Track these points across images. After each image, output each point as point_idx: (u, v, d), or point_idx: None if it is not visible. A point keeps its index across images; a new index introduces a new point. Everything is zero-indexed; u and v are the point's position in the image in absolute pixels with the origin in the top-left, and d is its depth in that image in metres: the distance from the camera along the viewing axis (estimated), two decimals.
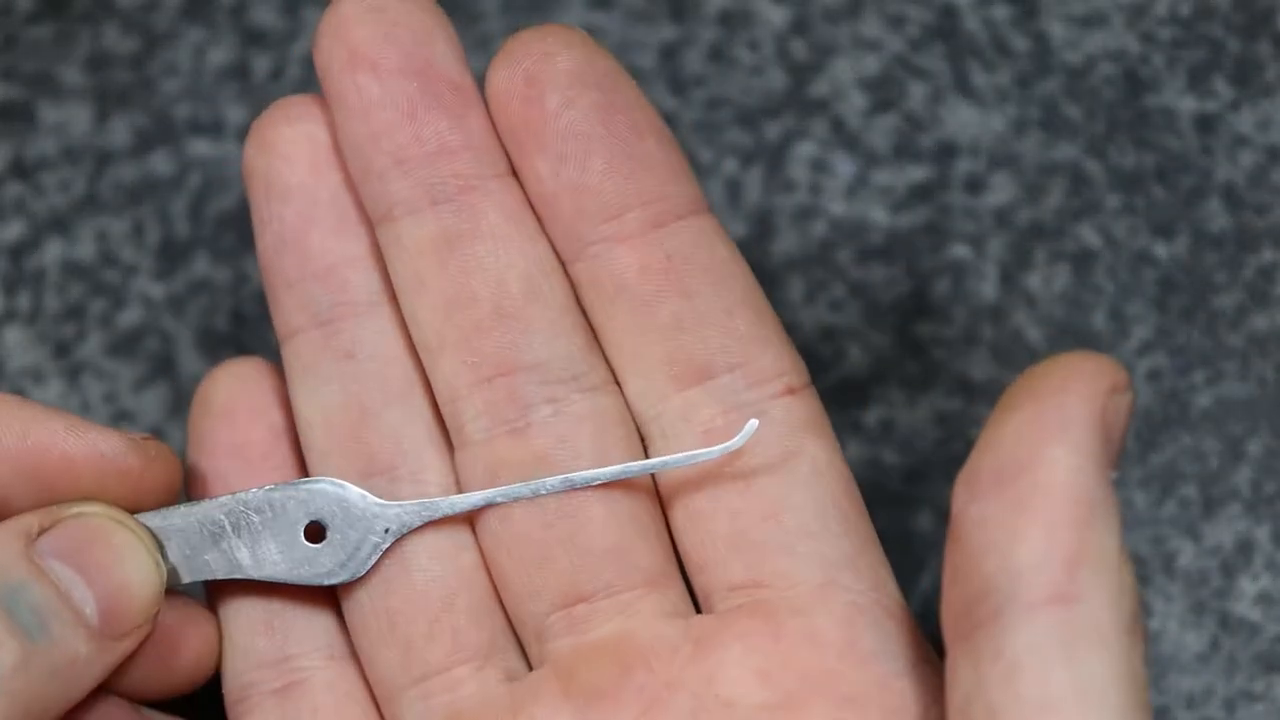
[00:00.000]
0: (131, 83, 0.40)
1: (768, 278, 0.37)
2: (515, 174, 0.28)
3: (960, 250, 0.37)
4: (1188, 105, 0.38)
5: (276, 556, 0.28)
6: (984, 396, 0.36)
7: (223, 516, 0.28)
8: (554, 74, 0.27)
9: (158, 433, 0.37)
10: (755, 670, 0.26)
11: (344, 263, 0.28)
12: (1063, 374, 0.24)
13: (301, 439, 0.29)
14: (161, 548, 0.28)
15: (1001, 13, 0.39)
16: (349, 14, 0.27)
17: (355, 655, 0.29)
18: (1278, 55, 0.38)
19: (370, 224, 0.28)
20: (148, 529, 0.28)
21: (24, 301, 0.38)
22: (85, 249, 0.39)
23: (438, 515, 0.28)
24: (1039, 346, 0.36)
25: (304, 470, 0.29)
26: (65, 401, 0.37)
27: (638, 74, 0.39)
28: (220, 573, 0.29)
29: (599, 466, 0.27)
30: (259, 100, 0.39)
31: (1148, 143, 0.38)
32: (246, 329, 0.38)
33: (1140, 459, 0.36)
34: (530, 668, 0.28)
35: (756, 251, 0.38)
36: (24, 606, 0.26)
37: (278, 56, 0.40)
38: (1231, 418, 0.36)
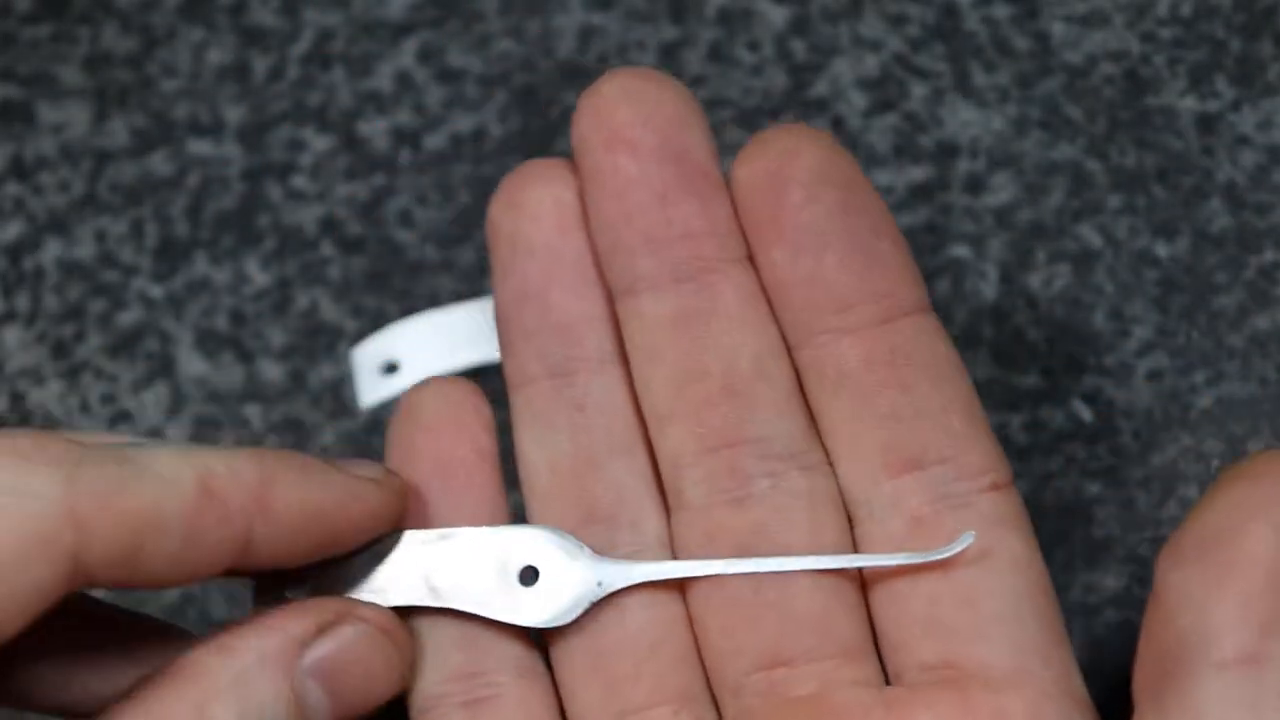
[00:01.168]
0: (130, 83, 0.40)
1: None
2: (753, 260, 0.29)
3: (961, 250, 0.37)
4: (1189, 105, 0.38)
5: (490, 594, 0.29)
6: (985, 396, 0.36)
7: (445, 549, 0.29)
8: (797, 170, 0.28)
9: (157, 432, 0.37)
10: None
11: (582, 321, 0.30)
12: (1272, 462, 0.25)
13: (524, 483, 0.30)
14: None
15: (1002, 12, 0.39)
16: (610, 95, 0.29)
17: (544, 673, 0.30)
18: (1279, 55, 0.38)
19: (608, 289, 0.30)
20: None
21: (23, 302, 0.38)
22: (84, 249, 0.38)
23: (651, 579, 0.29)
24: (1040, 347, 0.36)
25: (504, 498, 0.30)
26: (64, 402, 0.37)
27: None
28: (432, 601, 0.29)
29: (811, 541, 0.28)
30: (258, 100, 0.39)
31: (1149, 143, 0.38)
32: (245, 329, 0.38)
33: (1141, 459, 0.36)
34: None
35: None
36: None
37: (277, 57, 0.40)
38: (1233, 418, 0.36)
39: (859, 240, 0.28)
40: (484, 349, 0.37)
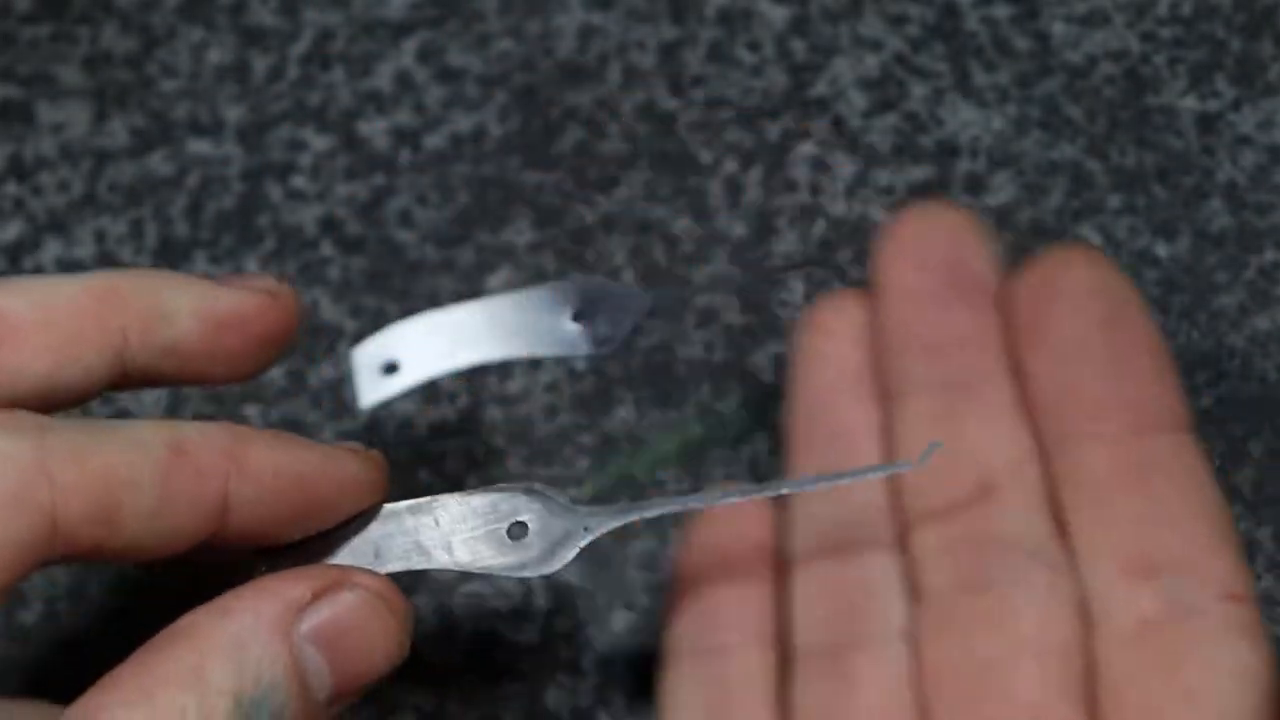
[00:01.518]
0: (130, 83, 0.40)
1: (768, 278, 0.37)
2: (1016, 367, 0.31)
3: None
4: (1189, 105, 0.38)
5: (482, 552, 0.31)
6: None
7: (433, 514, 0.31)
8: (1065, 283, 0.30)
9: None
10: None
11: (859, 428, 0.32)
12: None
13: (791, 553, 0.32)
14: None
15: (1002, 12, 0.39)
16: (908, 218, 0.32)
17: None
18: (1279, 55, 0.38)
19: (884, 398, 0.32)
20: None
21: None
22: (84, 249, 0.38)
23: (632, 518, 0.31)
24: None
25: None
26: None
27: (638, 73, 0.39)
28: (425, 564, 0.30)
29: (1041, 633, 0.29)
30: (258, 100, 0.39)
31: (1149, 142, 0.38)
32: None
33: None
34: None
35: (757, 251, 0.38)
36: (265, 713, 0.27)
37: (277, 56, 0.40)
38: (1233, 418, 0.36)
39: (1119, 354, 0.30)
40: (484, 349, 0.37)
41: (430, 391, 0.37)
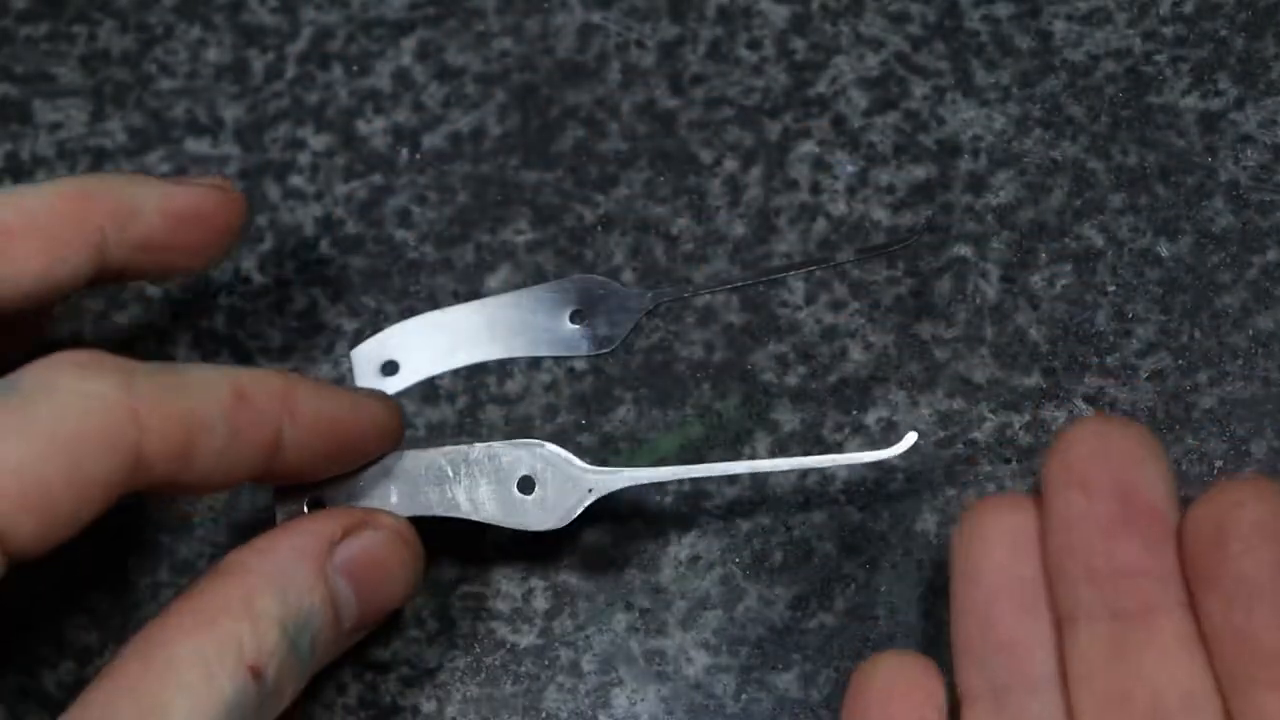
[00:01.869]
0: (128, 81, 0.40)
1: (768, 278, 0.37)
2: (1193, 606, 0.30)
3: (962, 249, 0.37)
4: (1191, 104, 0.38)
5: (490, 502, 0.33)
6: (986, 397, 0.36)
7: (446, 464, 0.33)
8: (1238, 522, 0.29)
9: None
10: None
11: (1026, 641, 0.31)
12: None
13: None
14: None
15: (1004, 10, 0.39)
16: (1075, 433, 0.31)
17: None
18: None
19: (1052, 614, 0.31)
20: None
21: None
22: None
23: (639, 482, 0.33)
24: (1041, 347, 0.36)
25: None
26: None
27: (637, 72, 0.39)
28: (438, 511, 0.33)
29: None
30: (256, 99, 0.39)
31: (1151, 141, 0.38)
32: (244, 329, 0.38)
33: None
34: None
35: (757, 251, 0.37)
36: (306, 638, 0.30)
37: (275, 55, 0.40)
38: (1235, 419, 0.36)
39: None
40: (483, 349, 0.37)
41: (430, 391, 0.37)
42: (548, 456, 0.33)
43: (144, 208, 0.32)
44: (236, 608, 0.29)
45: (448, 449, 0.33)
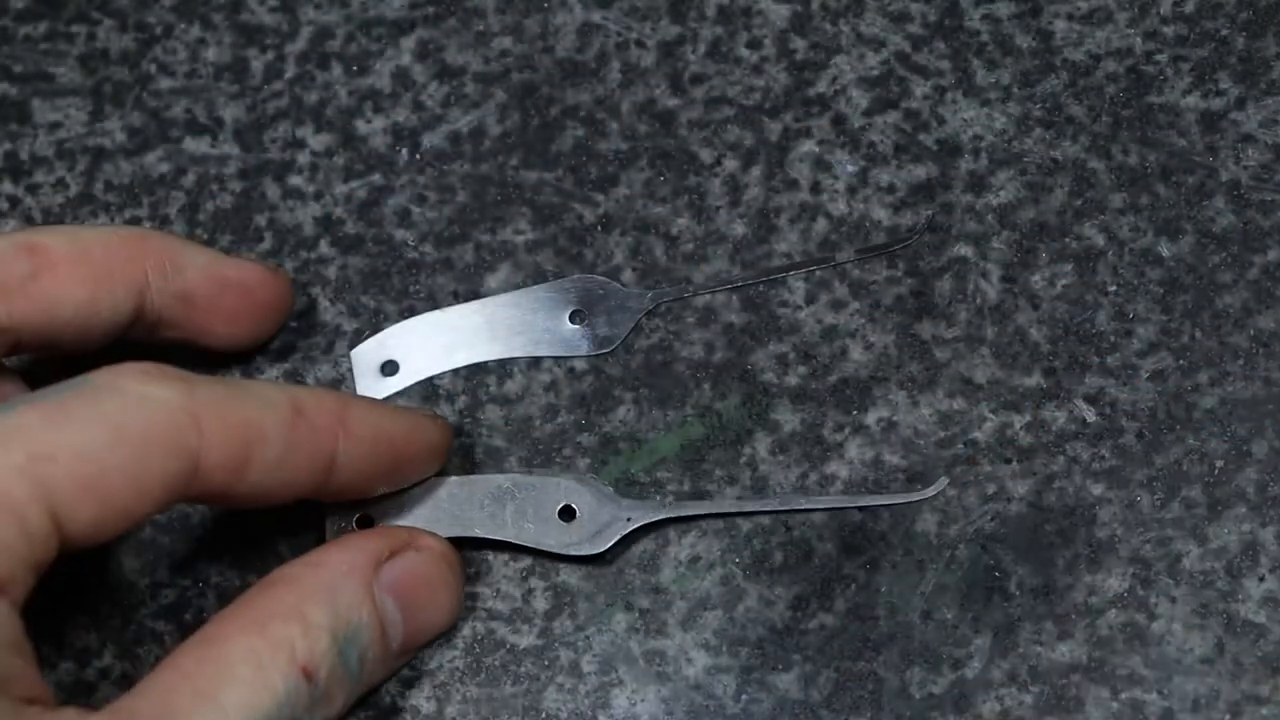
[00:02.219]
0: (127, 81, 0.40)
1: (769, 277, 0.37)
2: None
3: (963, 249, 0.37)
4: (1192, 103, 0.38)
5: (532, 526, 0.35)
6: (987, 396, 0.36)
7: (493, 488, 0.35)
8: None
9: None
10: None
11: None
12: None
13: None
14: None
15: (1004, 10, 0.39)
16: None
17: None
18: None
19: None
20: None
21: None
22: None
23: (674, 515, 0.35)
24: (1042, 346, 0.36)
25: None
26: None
27: (637, 71, 0.39)
28: (480, 532, 0.35)
29: None
30: (256, 99, 0.39)
31: (1152, 141, 0.38)
32: None
33: (1145, 460, 0.35)
34: None
35: (757, 251, 0.37)
36: (354, 651, 0.31)
37: (275, 55, 0.40)
38: (1236, 418, 0.36)
39: None
40: (483, 349, 0.37)
41: (430, 391, 0.37)
42: (587, 487, 0.35)
43: (190, 264, 0.34)
44: (289, 613, 0.30)
45: (498, 477, 0.35)
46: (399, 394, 0.37)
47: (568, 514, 0.35)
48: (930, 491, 0.35)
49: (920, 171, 0.38)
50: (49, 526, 0.27)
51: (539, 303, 0.37)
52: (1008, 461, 0.36)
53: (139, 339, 0.34)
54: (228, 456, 0.29)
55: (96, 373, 0.29)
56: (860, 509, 0.35)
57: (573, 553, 0.35)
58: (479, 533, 0.35)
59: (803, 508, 0.35)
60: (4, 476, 0.27)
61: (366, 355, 0.37)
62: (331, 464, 0.31)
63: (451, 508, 0.35)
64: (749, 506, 0.35)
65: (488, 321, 0.37)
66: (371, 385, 0.37)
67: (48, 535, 0.27)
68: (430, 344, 0.37)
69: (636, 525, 0.35)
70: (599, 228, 0.38)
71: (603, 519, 0.35)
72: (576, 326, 0.37)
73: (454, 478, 0.35)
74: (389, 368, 0.37)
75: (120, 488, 0.28)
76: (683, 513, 0.35)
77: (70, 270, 0.32)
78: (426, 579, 0.33)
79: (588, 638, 0.35)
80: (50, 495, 0.27)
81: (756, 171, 0.38)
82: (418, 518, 0.35)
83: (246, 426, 0.29)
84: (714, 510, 0.35)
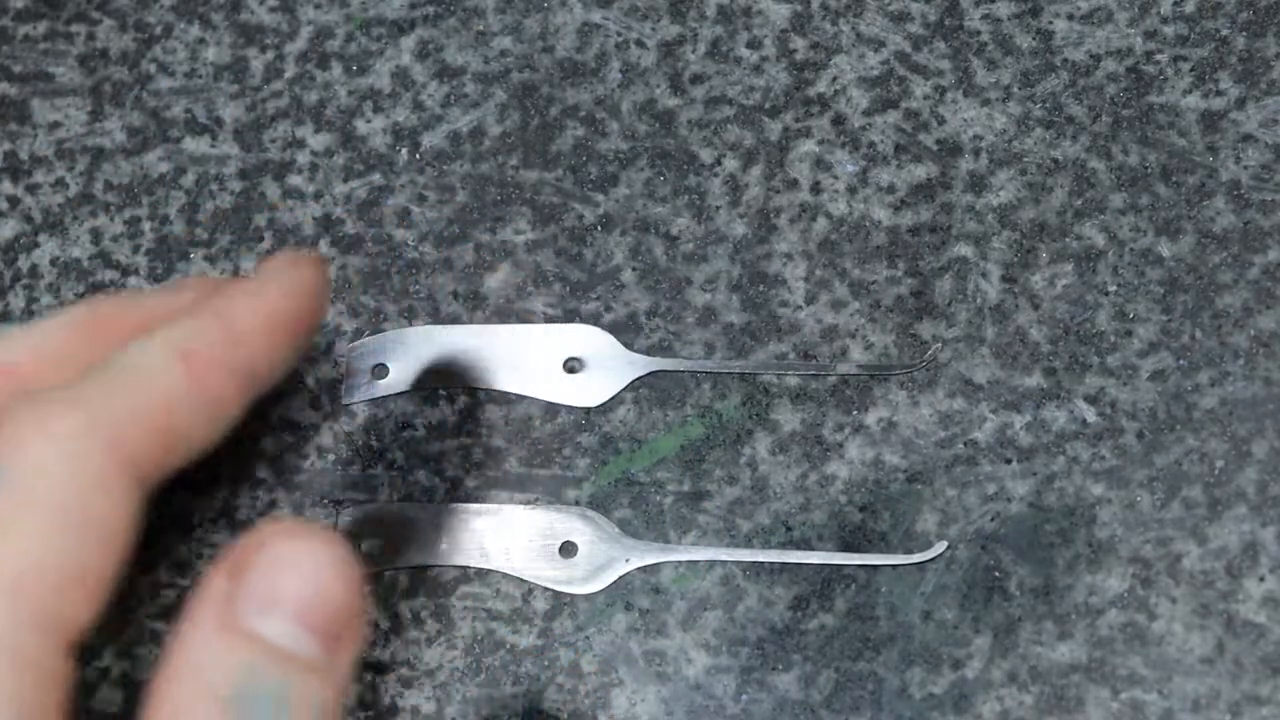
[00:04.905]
0: (126, 81, 0.40)
1: (769, 277, 0.37)
2: None
3: (963, 249, 0.37)
4: (1192, 103, 0.38)
5: (533, 562, 0.35)
6: (987, 396, 0.36)
7: (496, 521, 0.35)
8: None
9: None
10: None
11: None
12: None
13: None
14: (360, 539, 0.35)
15: (1005, 10, 0.39)
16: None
17: None
18: None
19: None
20: (333, 525, 0.33)
21: (18, 301, 0.38)
22: (80, 248, 0.38)
23: (673, 558, 0.35)
24: (1042, 346, 0.36)
25: None
26: None
27: (637, 71, 0.39)
28: (480, 563, 0.35)
29: None
30: (255, 98, 0.39)
31: (1152, 141, 0.38)
32: None
33: (1145, 460, 0.35)
34: None
35: (757, 251, 0.37)
36: (268, 706, 0.26)
37: (275, 55, 0.40)
38: (1237, 418, 0.36)
39: None
40: (473, 375, 0.37)
41: (430, 391, 0.37)
42: (590, 523, 0.35)
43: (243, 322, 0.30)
44: None
45: (500, 507, 0.35)
46: (387, 398, 0.37)
47: (569, 549, 0.35)
48: (929, 554, 0.35)
49: (920, 171, 0.38)
50: None
51: (537, 343, 0.37)
52: (1008, 461, 0.36)
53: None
54: (157, 453, 0.27)
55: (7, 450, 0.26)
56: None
57: (568, 590, 0.35)
58: (482, 564, 0.35)
59: (807, 560, 0.35)
60: None
61: (359, 354, 0.37)
62: (246, 378, 0.29)
63: (453, 537, 0.35)
64: (745, 556, 0.35)
65: (483, 350, 0.37)
66: (359, 385, 0.37)
67: None
68: (423, 357, 0.37)
69: (635, 566, 0.35)
70: (599, 228, 0.38)
71: (601, 558, 0.35)
72: (569, 376, 0.37)
73: (458, 505, 0.35)
74: (380, 370, 0.37)
75: (70, 569, 0.26)
76: (684, 556, 0.35)
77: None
78: (285, 565, 0.28)
79: (588, 638, 0.35)
80: None
81: (756, 171, 0.38)
82: (421, 549, 0.35)
83: (158, 420, 0.28)
84: (715, 557, 0.35)
